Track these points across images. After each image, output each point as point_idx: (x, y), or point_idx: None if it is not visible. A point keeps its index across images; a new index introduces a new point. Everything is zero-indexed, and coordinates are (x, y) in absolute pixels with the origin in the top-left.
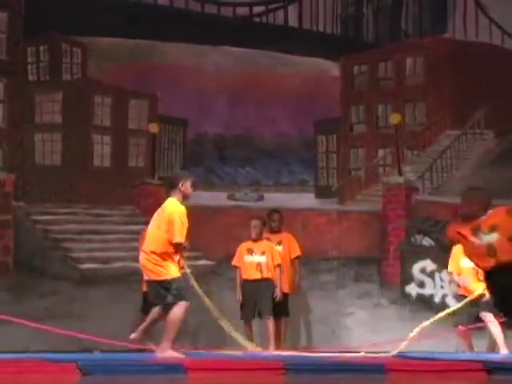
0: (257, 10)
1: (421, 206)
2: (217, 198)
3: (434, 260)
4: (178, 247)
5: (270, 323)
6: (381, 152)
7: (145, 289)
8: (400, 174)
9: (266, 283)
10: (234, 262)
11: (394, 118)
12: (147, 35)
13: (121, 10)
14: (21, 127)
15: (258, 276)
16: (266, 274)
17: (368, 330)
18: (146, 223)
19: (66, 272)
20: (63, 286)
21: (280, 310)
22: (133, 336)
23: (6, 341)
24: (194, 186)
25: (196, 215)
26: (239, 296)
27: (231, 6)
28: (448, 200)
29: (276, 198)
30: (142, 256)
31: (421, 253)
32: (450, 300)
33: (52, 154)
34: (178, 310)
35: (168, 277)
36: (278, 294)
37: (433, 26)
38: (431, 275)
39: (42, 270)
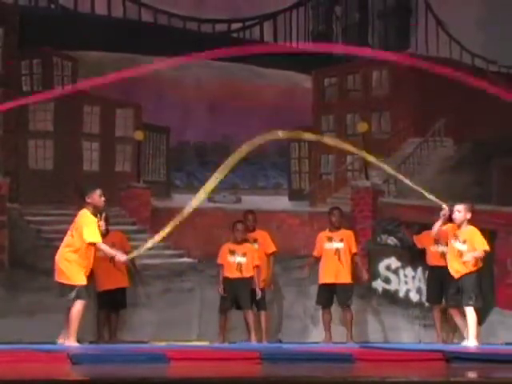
0: (234, 26)
1: (386, 208)
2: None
3: (398, 258)
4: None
5: (250, 316)
6: (349, 158)
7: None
8: (367, 178)
9: (245, 281)
10: (218, 261)
11: (362, 127)
12: (132, 49)
13: (107, 26)
14: (15, 134)
15: (238, 275)
16: (245, 274)
17: (338, 322)
18: (132, 223)
19: None
20: (54, 281)
21: (258, 304)
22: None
23: (0, 333)
24: (104, 196)
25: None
26: (221, 290)
27: (211, 22)
28: (411, 202)
29: (252, 201)
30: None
31: (386, 251)
32: (413, 295)
33: (44, 159)
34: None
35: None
36: (258, 293)
37: (397, 42)
38: (396, 272)
39: (34, 267)
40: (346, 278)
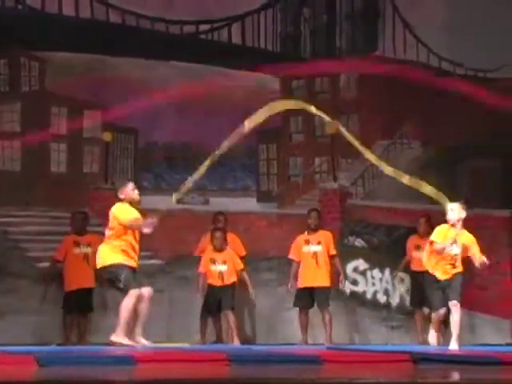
0: (203, 27)
1: (354, 210)
2: (165, 202)
3: (365, 259)
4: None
5: (231, 317)
6: (317, 160)
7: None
8: (335, 180)
9: (228, 288)
10: (200, 270)
11: (330, 128)
12: (100, 50)
13: (76, 27)
14: None
15: (219, 283)
16: (227, 281)
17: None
18: (99, 225)
19: (24, 270)
20: (22, 283)
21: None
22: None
23: None
24: (137, 189)
25: (147, 218)
26: (201, 296)
27: (179, 24)
28: (378, 204)
29: (221, 202)
30: None
31: (354, 253)
32: (380, 296)
33: (12, 161)
34: (128, 299)
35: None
36: (252, 293)
37: (364, 44)
38: (363, 273)
39: (1, 269)
40: (324, 280)
